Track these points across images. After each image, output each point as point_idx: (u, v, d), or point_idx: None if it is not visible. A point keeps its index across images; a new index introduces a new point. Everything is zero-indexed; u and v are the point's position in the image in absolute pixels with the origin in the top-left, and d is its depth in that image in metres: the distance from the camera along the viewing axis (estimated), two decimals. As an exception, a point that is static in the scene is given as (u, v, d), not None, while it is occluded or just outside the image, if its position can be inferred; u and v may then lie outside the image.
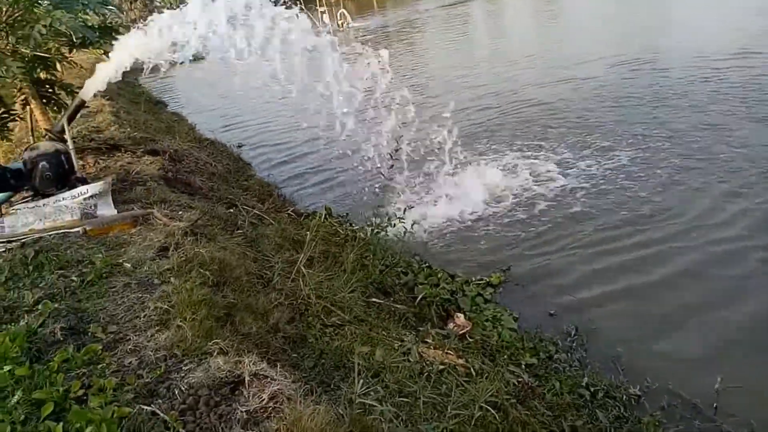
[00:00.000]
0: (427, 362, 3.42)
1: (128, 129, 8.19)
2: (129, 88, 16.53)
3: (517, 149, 8.81)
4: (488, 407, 2.89)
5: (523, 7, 31.47)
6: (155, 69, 4.52)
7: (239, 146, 10.86)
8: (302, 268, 3.98)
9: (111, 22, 6.19)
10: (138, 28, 4.48)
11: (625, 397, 3.71)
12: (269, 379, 2.25)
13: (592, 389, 3.73)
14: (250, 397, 2.15)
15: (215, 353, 2.44)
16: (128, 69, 4.48)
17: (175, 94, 20.64)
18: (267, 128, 13.20)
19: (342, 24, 34.72)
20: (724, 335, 4.29)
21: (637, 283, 5.10)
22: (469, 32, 25.59)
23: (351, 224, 6.34)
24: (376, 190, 7.61)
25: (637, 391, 3.78)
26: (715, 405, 3.61)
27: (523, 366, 3.94)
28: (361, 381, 2.63)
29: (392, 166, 6.88)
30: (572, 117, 9.95)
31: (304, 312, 3.68)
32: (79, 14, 5.69)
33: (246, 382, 2.21)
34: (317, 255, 4.69)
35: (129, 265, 3.32)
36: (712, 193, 6.41)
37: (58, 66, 6.03)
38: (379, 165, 6.87)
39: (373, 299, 4.42)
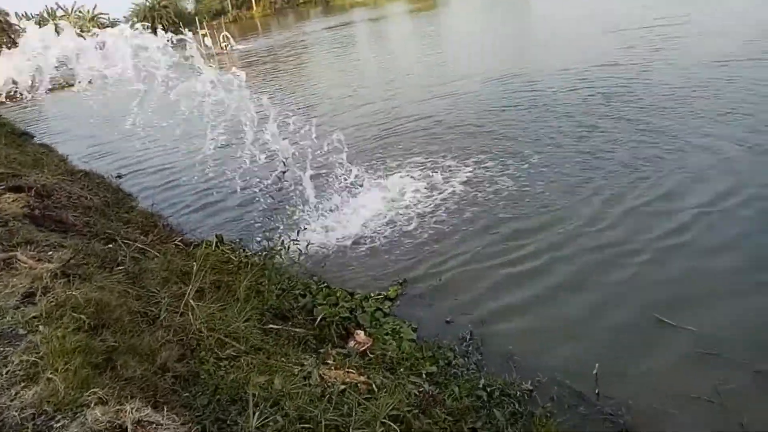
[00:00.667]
0: (329, 384, 3.38)
1: (-15, 165, 7.37)
2: (-14, 120, 14.92)
3: (406, 163, 9.09)
4: (390, 422, 2.91)
5: (404, 28, 32.77)
6: (15, 97, 4.16)
7: (118, 176, 10.16)
8: (191, 301, 3.78)
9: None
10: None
11: (518, 393, 3.91)
12: (155, 424, 2.11)
13: (488, 389, 3.88)
14: (135, 447, 2.00)
15: (93, 404, 2.25)
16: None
17: (43, 124, 18.97)
18: (146, 155, 12.51)
19: (225, 46, 34.00)
20: (601, 326, 4.69)
21: (525, 284, 5.42)
22: (353, 52, 26.12)
23: (244, 250, 6.16)
24: (268, 212, 7.45)
25: (528, 386, 3.99)
26: (597, 391, 3.91)
27: (424, 375, 4.01)
28: (258, 412, 2.54)
29: (281, 188, 6.79)
30: (455, 129, 10.50)
31: (195, 347, 3.49)
32: None
33: (129, 431, 2.05)
34: (208, 286, 4.49)
35: (-13, 317, 2.97)
36: (595, 198, 6.89)
37: None
38: (266, 187, 6.75)
39: (271, 326, 4.31)
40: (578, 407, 3.85)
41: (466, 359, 4.41)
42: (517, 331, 4.76)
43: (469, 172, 8.25)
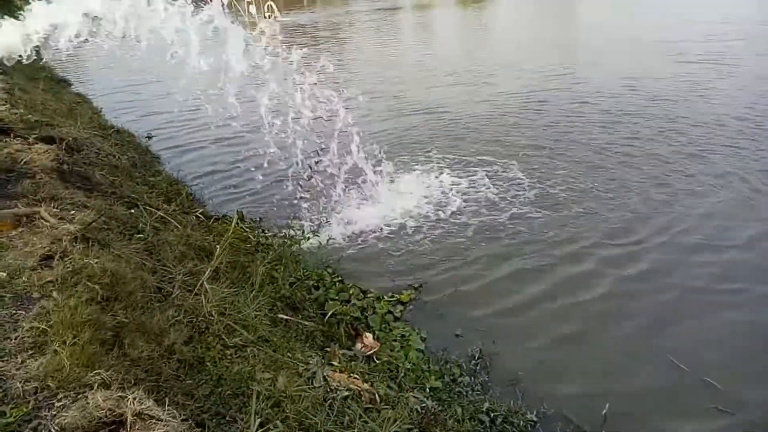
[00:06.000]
0: (332, 388, 3.33)
1: (21, 110, 7.41)
2: (29, 64, 15.09)
3: (440, 161, 8.95)
4: (390, 440, 2.84)
5: (448, 19, 32.38)
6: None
7: (149, 137, 10.20)
8: (206, 283, 3.74)
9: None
10: None
11: (522, 422, 3.80)
12: (155, 420, 2.06)
13: (491, 415, 3.79)
14: (132, 442, 1.95)
15: (96, 386, 2.21)
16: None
17: (81, 72, 19.11)
18: (181, 117, 12.49)
19: (269, 16, 33.95)
20: (617, 364, 4.53)
21: (542, 307, 5.28)
22: (395, 39, 25.83)
23: (264, 231, 6.13)
24: (295, 198, 7.36)
25: (533, 417, 3.88)
26: (603, 432, 3.81)
27: (428, 389, 3.94)
28: (259, 419, 2.49)
29: (311, 177, 6.71)
30: (498, 130, 10.28)
31: (204, 331, 3.46)
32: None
33: (128, 423, 2.01)
34: (224, 266, 4.46)
35: (4, 275, 2.96)
36: (621, 210, 6.80)
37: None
38: (300, 172, 6.65)
39: (281, 315, 4.27)
40: (582, 447, 3.75)
41: (472, 378, 4.30)
42: (528, 356, 4.63)
43: (503, 179, 8.03)
